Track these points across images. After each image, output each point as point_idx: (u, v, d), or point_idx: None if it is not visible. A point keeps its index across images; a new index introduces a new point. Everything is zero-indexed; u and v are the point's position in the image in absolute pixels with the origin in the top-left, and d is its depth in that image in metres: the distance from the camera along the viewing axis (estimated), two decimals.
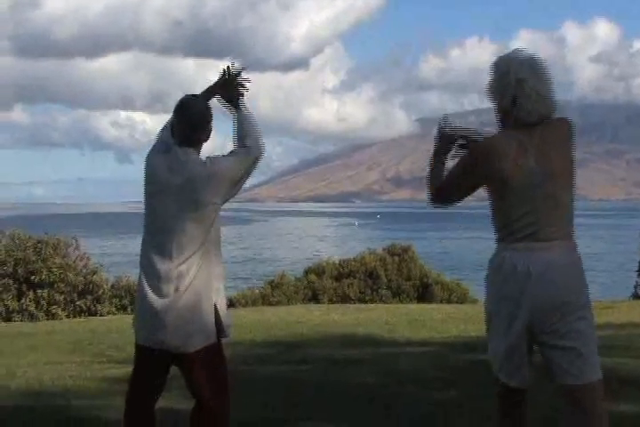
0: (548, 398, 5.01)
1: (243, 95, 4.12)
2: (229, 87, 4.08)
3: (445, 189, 3.77)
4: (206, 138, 3.93)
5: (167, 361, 3.87)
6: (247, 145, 3.95)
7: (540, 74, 3.54)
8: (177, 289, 3.72)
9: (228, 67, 4.11)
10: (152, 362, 3.92)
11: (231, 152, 3.97)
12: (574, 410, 3.47)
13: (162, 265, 3.76)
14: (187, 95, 3.96)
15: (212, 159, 3.86)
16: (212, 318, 3.77)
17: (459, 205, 3.85)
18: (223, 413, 3.90)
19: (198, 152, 3.89)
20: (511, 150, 3.48)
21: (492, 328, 3.60)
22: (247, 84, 4.12)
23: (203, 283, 3.75)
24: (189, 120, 3.84)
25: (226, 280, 4.01)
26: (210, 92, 4.10)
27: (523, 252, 3.45)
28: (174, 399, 5.43)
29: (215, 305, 3.79)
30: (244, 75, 4.14)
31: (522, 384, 3.59)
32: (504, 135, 3.59)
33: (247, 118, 4.04)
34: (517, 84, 3.49)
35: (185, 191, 3.76)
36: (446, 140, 3.82)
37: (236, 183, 3.87)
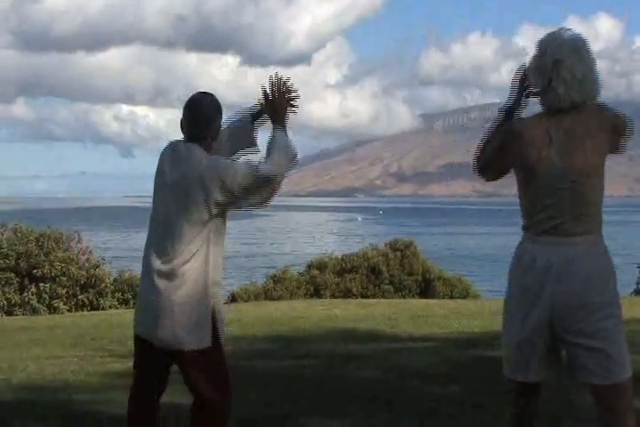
0: (551, 395, 5.00)
1: (292, 112, 4.01)
2: (276, 102, 3.96)
3: (482, 160, 3.64)
4: (214, 135, 3.87)
5: (165, 357, 3.85)
6: (261, 162, 3.83)
7: (581, 57, 3.38)
8: (172, 288, 3.70)
9: (277, 78, 3.99)
10: (150, 355, 3.91)
11: (244, 162, 3.89)
12: (602, 409, 3.40)
13: (158, 262, 3.77)
14: (198, 92, 3.93)
15: (212, 158, 3.77)
16: (207, 322, 3.73)
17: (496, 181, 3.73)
18: (224, 411, 3.90)
19: (207, 150, 3.83)
20: (537, 138, 3.39)
21: (508, 319, 3.55)
22: (295, 100, 4.01)
23: (199, 285, 3.71)
24: (195, 116, 3.81)
25: (222, 286, 3.95)
26: (259, 113, 4.04)
27: (544, 245, 3.37)
28: (176, 394, 5.42)
29: (213, 309, 3.75)
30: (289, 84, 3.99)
31: (526, 379, 3.50)
32: (534, 121, 3.48)
33: (281, 139, 3.91)
34: (553, 65, 3.36)
35: (180, 187, 3.74)
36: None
37: (228, 191, 3.71)
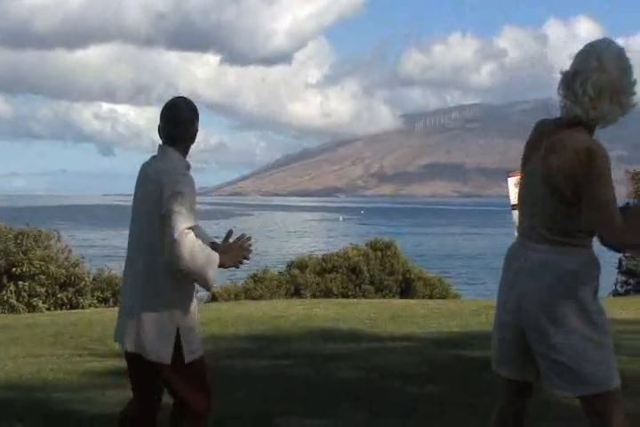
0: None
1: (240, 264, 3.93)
2: (233, 251, 3.88)
3: None
4: (190, 139, 3.90)
5: (143, 364, 3.82)
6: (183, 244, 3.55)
7: (604, 72, 3.22)
8: (140, 298, 3.72)
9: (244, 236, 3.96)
10: (127, 360, 3.93)
11: (182, 220, 3.61)
12: (588, 418, 3.41)
13: (129, 269, 3.84)
14: (175, 97, 3.97)
15: (176, 180, 3.66)
16: (168, 340, 3.71)
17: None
18: (204, 415, 3.90)
19: (182, 154, 3.85)
20: (533, 143, 3.41)
21: (496, 313, 3.58)
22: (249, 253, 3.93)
23: (164, 300, 3.70)
24: (172, 119, 3.85)
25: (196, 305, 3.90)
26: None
27: (520, 248, 3.41)
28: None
29: (178, 329, 3.73)
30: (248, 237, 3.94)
31: (509, 375, 3.53)
32: (544, 126, 3.44)
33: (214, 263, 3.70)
34: (573, 75, 3.28)
35: (147, 200, 3.76)
36: None
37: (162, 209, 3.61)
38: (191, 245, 3.54)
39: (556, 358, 3.28)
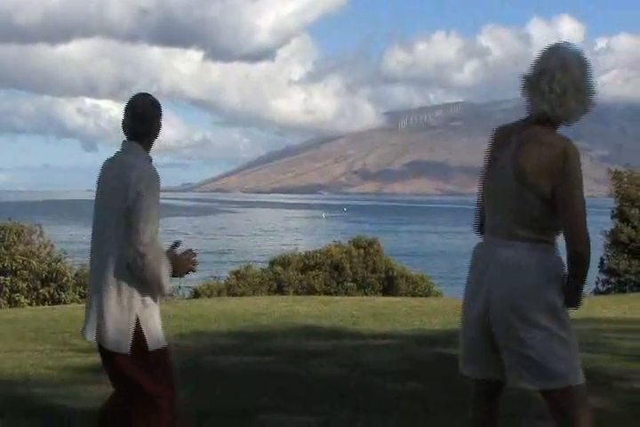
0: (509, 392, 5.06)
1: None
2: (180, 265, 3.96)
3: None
4: (154, 134, 3.95)
5: (106, 354, 3.85)
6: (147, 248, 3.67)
7: (567, 72, 3.33)
8: (102, 291, 3.77)
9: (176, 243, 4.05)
10: (99, 351, 3.95)
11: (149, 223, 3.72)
12: (550, 413, 3.47)
13: (94, 264, 3.90)
14: (138, 93, 4.05)
15: (144, 177, 3.74)
16: (127, 329, 3.73)
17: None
18: (168, 409, 3.87)
19: (145, 148, 3.91)
20: (500, 141, 3.46)
21: (461, 316, 3.61)
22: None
23: (124, 291, 3.74)
24: (136, 115, 3.91)
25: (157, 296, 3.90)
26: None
27: (487, 245, 3.46)
28: None
29: (137, 318, 3.75)
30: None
31: (472, 375, 3.58)
32: (509, 126, 3.53)
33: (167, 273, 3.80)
34: (538, 75, 3.37)
35: (108, 182, 3.84)
36: None
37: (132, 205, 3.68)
38: (154, 258, 3.67)
39: (525, 352, 3.33)
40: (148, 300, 3.81)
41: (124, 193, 3.70)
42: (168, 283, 3.80)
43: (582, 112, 3.41)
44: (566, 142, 3.34)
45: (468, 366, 3.58)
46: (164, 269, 3.73)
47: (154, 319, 3.84)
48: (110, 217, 3.78)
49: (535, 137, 3.35)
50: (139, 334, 3.75)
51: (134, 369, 3.78)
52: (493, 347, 3.44)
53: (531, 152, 3.33)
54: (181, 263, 3.95)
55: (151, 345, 3.78)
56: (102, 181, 3.92)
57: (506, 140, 3.44)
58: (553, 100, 3.33)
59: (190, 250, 4.07)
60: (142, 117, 3.90)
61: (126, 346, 3.73)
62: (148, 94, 4.02)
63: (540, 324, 3.31)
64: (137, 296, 3.76)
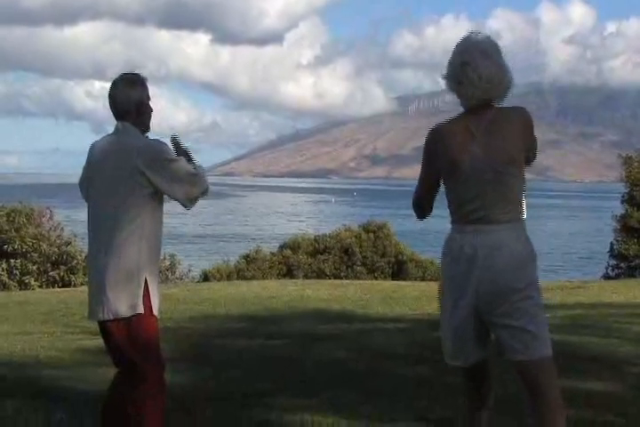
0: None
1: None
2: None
3: (417, 192, 3.82)
4: (136, 109, 3.99)
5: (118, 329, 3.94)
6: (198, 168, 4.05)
7: (487, 58, 3.52)
8: (108, 266, 3.85)
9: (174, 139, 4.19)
10: (103, 332, 4.05)
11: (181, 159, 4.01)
12: (528, 387, 3.52)
13: (98, 235, 3.96)
14: (122, 73, 4.11)
15: (150, 144, 3.93)
16: (137, 290, 3.83)
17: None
18: (156, 380, 3.91)
19: (135, 125, 3.98)
20: (459, 135, 3.55)
21: (442, 308, 3.69)
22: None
23: (132, 261, 3.84)
24: (113, 96, 4.00)
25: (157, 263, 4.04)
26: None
27: (471, 234, 3.52)
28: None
29: (146, 282, 3.85)
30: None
31: (464, 364, 3.65)
32: (454, 120, 3.65)
33: (202, 171, 4.12)
34: (462, 67, 3.53)
35: (109, 162, 3.92)
36: None
37: (160, 178, 3.85)
38: (204, 172, 4.06)
39: (516, 324, 3.45)
40: (154, 266, 3.95)
41: (133, 169, 3.81)
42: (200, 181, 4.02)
43: (509, 89, 3.60)
44: (523, 109, 3.61)
45: (458, 357, 3.66)
46: (199, 181, 3.99)
47: (158, 286, 3.96)
48: (117, 195, 3.86)
49: (503, 115, 3.54)
50: (147, 297, 3.86)
51: (141, 330, 3.88)
52: (479, 329, 3.56)
53: (504, 131, 3.50)
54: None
55: (156, 310, 3.90)
56: (101, 161, 3.97)
57: (465, 134, 3.53)
58: (484, 86, 3.51)
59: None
60: (118, 97, 3.98)
61: (140, 305, 3.83)
62: (127, 73, 4.09)
63: (527, 295, 3.47)
64: (144, 264, 3.86)
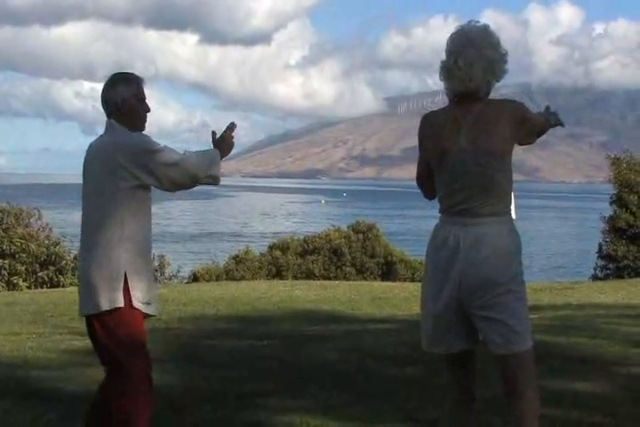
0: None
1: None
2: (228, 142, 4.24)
3: (417, 172, 3.82)
4: (118, 109, 4.01)
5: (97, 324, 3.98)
6: (186, 155, 4.04)
7: (474, 46, 3.51)
8: (90, 262, 3.91)
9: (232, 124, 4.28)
10: (88, 329, 4.09)
11: (167, 147, 4.02)
12: (505, 381, 3.52)
13: (85, 231, 4.02)
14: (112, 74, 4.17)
15: (131, 137, 3.96)
16: (118, 285, 3.85)
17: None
18: (141, 377, 3.90)
19: (119, 121, 4.00)
20: (445, 126, 3.56)
21: (423, 296, 3.69)
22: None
23: (112, 255, 3.87)
24: (101, 97, 4.07)
25: (147, 258, 4.04)
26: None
27: (455, 226, 3.54)
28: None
29: (125, 274, 3.86)
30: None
31: (444, 352, 3.66)
32: (443, 111, 3.67)
33: (216, 155, 4.15)
34: (449, 56, 3.54)
35: (94, 162, 3.99)
36: None
37: (141, 170, 3.87)
38: (190, 159, 3.97)
39: (497, 317, 3.45)
40: (135, 256, 3.92)
41: (113, 166, 3.85)
42: (219, 170, 4.12)
43: (492, 81, 3.56)
44: (509, 100, 3.62)
45: (435, 344, 3.66)
46: (211, 160, 4.05)
47: (141, 277, 3.93)
48: (99, 195, 3.91)
49: (482, 111, 3.51)
50: (127, 291, 3.86)
51: (105, 332, 3.89)
52: (461, 321, 3.56)
53: (490, 124, 3.48)
54: (227, 143, 4.21)
55: (136, 302, 3.88)
56: (88, 162, 4.05)
57: (452, 123, 3.55)
58: (462, 76, 3.50)
59: (232, 123, 4.31)
60: (104, 97, 4.04)
61: (120, 299, 3.84)
62: (116, 73, 4.14)
63: (510, 289, 3.47)
64: (124, 256, 3.87)
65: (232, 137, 4.24)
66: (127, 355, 3.89)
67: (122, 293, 3.84)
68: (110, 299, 3.84)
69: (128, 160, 3.83)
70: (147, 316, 4.00)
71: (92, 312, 3.90)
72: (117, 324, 3.88)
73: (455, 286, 3.49)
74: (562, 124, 3.86)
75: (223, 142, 4.18)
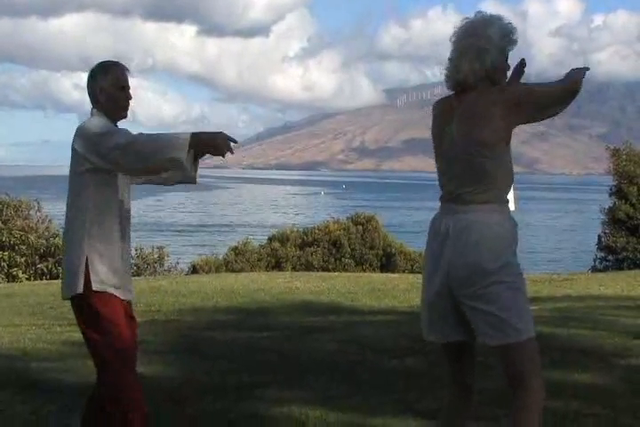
0: None
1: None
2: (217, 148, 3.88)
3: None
4: (97, 99, 4.01)
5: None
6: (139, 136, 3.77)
7: (472, 36, 3.50)
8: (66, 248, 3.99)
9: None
10: None
11: (119, 131, 3.88)
12: (505, 371, 3.50)
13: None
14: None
15: (89, 125, 3.91)
16: (78, 269, 3.83)
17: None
18: (116, 368, 3.87)
19: (106, 115, 3.98)
20: (444, 114, 3.59)
21: (422, 283, 3.69)
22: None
23: (77, 241, 3.88)
24: (86, 82, 4.08)
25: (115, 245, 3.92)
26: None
27: (446, 213, 3.55)
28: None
29: (87, 258, 3.83)
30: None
31: (440, 340, 3.65)
32: (445, 99, 3.68)
33: (176, 140, 3.71)
34: (451, 46, 3.56)
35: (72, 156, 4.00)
36: None
37: (94, 155, 3.79)
38: (141, 140, 3.69)
39: (487, 308, 3.41)
40: (99, 240, 3.86)
41: (75, 154, 3.86)
42: (184, 157, 3.65)
43: (485, 66, 3.49)
44: (502, 87, 3.51)
45: (432, 332, 3.65)
46: (168, 142, 3.65)
47: (103, 260, 3.86)
48: (71, 183, 3.94)
49: (475, 100, 3.49)
50: (87, 276, 3.82)
51: (82, 316, 3.87)
52: (456, 310, 3.53)
53: (481, 113, 3.46)
54: (220, 141, 3.83)
55: (95, 285, 3.80)
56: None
57: (448, 112, 3.57)
58: (451, 68, 3.53)
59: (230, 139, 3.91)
60: (87, 87, 4.06)
61: (79, 286, 3.81)
62: (97, 63, 4.12)
63: (500, 279, 3.41)
64: (87, 244, 3.84)
65: (225, 139, 3.85)
66: (101, 344, 3.86)
67: (82, 278, 3.81)
68: (72, 284, 3.84)
69: (81, 144, 3.82)
70: (123, 301, 3.92)
71: (65, 298, 3.92)
72: (85, 309, 3.85)
73: (445, 274, 3.48)
74: (586, 69, 3.64)
75: (213, 140, 3.81)
